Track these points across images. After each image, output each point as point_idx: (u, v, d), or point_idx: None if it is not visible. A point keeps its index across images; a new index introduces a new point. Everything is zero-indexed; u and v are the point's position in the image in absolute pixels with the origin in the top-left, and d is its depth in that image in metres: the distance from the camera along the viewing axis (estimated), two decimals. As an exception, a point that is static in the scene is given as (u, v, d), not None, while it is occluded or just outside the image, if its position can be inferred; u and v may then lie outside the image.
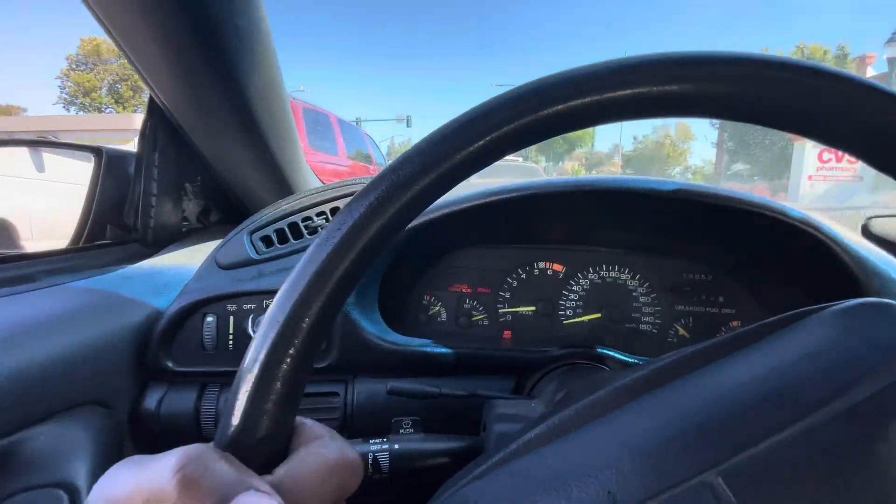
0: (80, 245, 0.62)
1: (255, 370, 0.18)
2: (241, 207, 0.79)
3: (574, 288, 0.68)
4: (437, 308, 0.69)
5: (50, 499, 0.39)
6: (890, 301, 0.21)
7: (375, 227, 0.20)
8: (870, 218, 0.57)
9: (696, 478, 0.17)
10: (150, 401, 0.52)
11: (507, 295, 0.69)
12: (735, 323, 0.65)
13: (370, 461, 0.42)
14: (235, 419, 0.18)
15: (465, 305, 0.69)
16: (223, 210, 0.80)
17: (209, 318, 0.53)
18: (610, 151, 26.63)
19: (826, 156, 13.56)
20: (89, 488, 0.42)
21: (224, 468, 0.16)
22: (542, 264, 0.69)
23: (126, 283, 0.55)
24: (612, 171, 26.40)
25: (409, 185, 0.20)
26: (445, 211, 0.55)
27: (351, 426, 0.55)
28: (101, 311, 0.50)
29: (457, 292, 0.69)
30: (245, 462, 0.18)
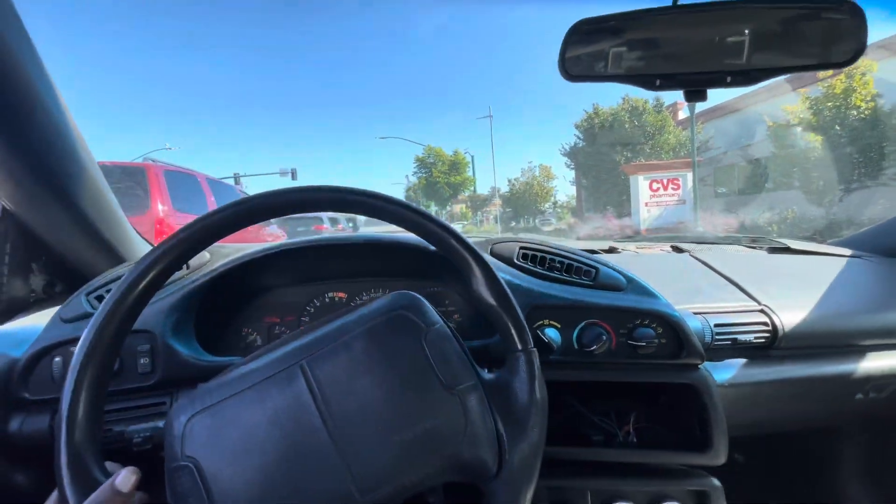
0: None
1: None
2: (80, 278, 0.97)
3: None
4: (253, 336, 0.95)
5: None
6: (412, 293, 0.54)
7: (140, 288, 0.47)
8: (493, 244, 0.95)
9: (296, 363, 0.47)
10: (14, 424, 0.69)
11: (307, 319, 0.97)
12: (456, 316, 1.00)
13: None
14: None
15: (276, 331, 0.96)
16: (66, 282, 0.97)
17: (57, 359, 0.72)
18: (489, 193, 29.05)
19: (655, 185, 15.96)
20: None
21: None
22: (330, 294, 0.99)
23: None
24: (493, 210, 28.73)
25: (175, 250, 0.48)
26: (247, 259, 0.82)
27: None
28: None
29: (269, 322, 0.96)
30: None
